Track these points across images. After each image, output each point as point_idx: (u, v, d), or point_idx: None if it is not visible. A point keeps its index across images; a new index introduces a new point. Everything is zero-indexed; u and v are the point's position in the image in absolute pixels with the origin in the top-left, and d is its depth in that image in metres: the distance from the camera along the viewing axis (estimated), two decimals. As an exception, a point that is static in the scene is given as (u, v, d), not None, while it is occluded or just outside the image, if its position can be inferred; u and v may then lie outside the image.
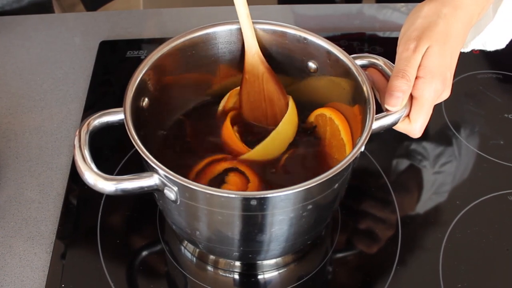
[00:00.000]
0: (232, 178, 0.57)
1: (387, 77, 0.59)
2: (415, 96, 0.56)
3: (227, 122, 0.61)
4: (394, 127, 0.57)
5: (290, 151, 0.61)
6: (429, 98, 0.56)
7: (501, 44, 0.72)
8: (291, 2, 0.99)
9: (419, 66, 0.56)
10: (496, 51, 0.82)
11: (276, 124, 0.61)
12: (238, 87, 0.64)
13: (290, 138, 0.61)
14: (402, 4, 0.93)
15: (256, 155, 0.59)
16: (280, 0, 1.30)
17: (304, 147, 0.62)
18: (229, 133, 0.60)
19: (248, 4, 0.59)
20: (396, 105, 0.55)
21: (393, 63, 0.59)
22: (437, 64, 0.56)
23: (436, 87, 0.56)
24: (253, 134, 0.62)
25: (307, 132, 0.62)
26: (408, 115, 0.57)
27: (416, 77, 0.56)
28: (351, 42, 0.85)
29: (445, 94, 0.59)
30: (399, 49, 0.58)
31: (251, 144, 0.60)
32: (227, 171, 0.58)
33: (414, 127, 0.57)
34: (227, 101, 0.64)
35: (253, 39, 0.60)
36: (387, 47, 0.82)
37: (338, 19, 0.91)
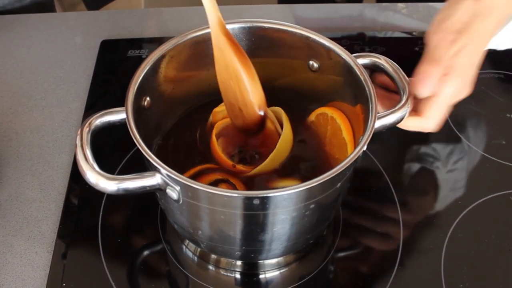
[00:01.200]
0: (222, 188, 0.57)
1: (388, 77, 0.59)
2: (435, 91, 0.55)
3: (213, 137, 0.60)
4: (406, 128, 0.56)
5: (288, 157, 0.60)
6: (448, 96, 0.56)
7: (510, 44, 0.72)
8: (291, 1, 0.99)
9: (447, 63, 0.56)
10: (497, 51, 0.82)
11: (244, 104, 0.59)
12: (220, 104, 0.62)
13: (287, 154, 0.60)
14: (403, 5, 0.92)
15: (255, 173, 0.58)
16: (280, 0, 1.30)
17: (302, 151, 0.61)
18: (214, 148, 0.59)
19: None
20: (426, 93, 0.54)
21: (395, 62, 0.59)
22: (464, 63, 0.56)
23: (457, 86, 0.56)
24: (241, 147, 0.62)
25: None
26: (416, 111, 0.56)
27: None
28: (352, 42, 0.85)
29: (464, 93, 0.58)
30: (437, 36, 0.57)
31: (238, 156, 0.60)
32: (218, 181, 0.58)
33: (430, 123, 0.57)
34: (213, 119, 0.63)
35: (214, 8, 0.55)
36: (389, 47, 0.82)
37: (339, 19, 0.91)
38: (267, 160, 0.58)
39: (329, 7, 0.92)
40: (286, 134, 0.60)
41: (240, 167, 0.59)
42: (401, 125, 0.60)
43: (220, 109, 0.63)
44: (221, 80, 0.59)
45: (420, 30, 0.85)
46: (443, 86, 0.55)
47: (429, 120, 0.56)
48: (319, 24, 0.90)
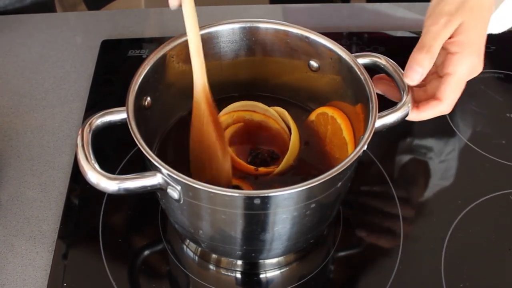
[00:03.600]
0: None
1: (389, 76, 0.59)
2: (449, 72, 0.55)
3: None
4: (420, 119, 0.55)
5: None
6: (463, 74, 0.55)
7: (506, 26, 0.71)
8: (283, 1, 0.98)
9: (455, 41, 0.56)
10: (497, 51, 0.82)
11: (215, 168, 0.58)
12: (220, 114, 0.62)
13: (298, 150, 0.61)
14: (396, 4, 0.92)
15: (278, 172, 0.59)
16: (272, 0, 1.29)
17: (303, 151, 0.62)
18: (232, 157, 0.59)
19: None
20: (415, 80, 0.54)
21: (395, 61, 0.59)
22: (473, 39, 0.56)
23: (473, 63, 0.55)
24: (252, 151, 0.62)
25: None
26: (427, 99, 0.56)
27: (452, 53, 0.55)
28: (352, 42, 0.85)
29: (479, 69, 0.58)
30: (428, 22, 0.57)
31: (255, 160, 0.61)
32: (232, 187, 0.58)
33: (446, 103, 0.57)
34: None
35: (202, 75, 0.55)
36: (388, 47, 0.82)
37: (332, 19, 0.90)
38: (285, 158, 0.58)
39: (320, 6, 0.92)
40: (295, 133, 0.60)
41: (263, 169, 0.59)
42: (416, 118, 0.60)
43: (222, 119, 0.63)
44: (194, 129, 0.57)
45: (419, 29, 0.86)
46: (457, 65, 0.55)
47: (445, 102, 0.56)
48: (312, 24, 0.90)
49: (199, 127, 0.56)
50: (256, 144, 0.62)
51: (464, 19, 0.56)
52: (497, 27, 0.71)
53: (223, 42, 0.61)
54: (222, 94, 0.65)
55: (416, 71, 0.54)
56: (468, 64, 0.55)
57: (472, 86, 0.79)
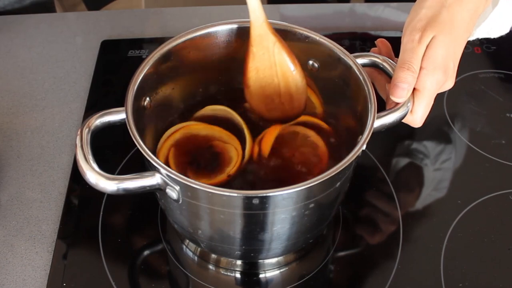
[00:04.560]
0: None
1: (388, 76, 0.59)
2: (417, 87, 0.56)
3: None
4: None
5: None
6: (431, 90, 0.56)
7: (504, 30, 0.71)
8: (281, 1, 0.98)
9: (423, 56, 0.56)
10: (497, 51, 0.82)
11: (291, 100, 0.61)
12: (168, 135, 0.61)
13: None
14: (395, 4, 0.92)
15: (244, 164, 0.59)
16: (269, 0, 1.29)
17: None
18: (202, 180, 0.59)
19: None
20: (402, 97, 0.55)
21: (394, 61, 0.59)
22: (440, 55, 0.56)
23: (438, 78, 0.56)
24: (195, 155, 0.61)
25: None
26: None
27: (420, 68, 0.56)
28: (351, 42, 0.85)
29: (448, 84, 0.59)
30: (404, 39, 0.58)
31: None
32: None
33: (415, 118, 0.58)
34: (161, 150, 0.61)
35: (260, 7, 0.57)
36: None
37: (330, 19, 0.90)
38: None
39: (318, 6, 0.92)
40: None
41: (231, 170, 0.58)
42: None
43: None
44: (257, 76, 0.60)
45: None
46: (423, 81, 0.56)
47: (415, 114, 0.57)
48: (311, 24, 0.90)
49: (267, 56, 0.59)
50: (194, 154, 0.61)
51: (435, 33, 0.57)
52: (495, 31, 0.71)
53: (222, 43, 0.61)
54: (220, 95, 0.65)
55: (402, 88, 0.55)
56: (434, 81, 0.56)
57: (472, 86, 0.79)
